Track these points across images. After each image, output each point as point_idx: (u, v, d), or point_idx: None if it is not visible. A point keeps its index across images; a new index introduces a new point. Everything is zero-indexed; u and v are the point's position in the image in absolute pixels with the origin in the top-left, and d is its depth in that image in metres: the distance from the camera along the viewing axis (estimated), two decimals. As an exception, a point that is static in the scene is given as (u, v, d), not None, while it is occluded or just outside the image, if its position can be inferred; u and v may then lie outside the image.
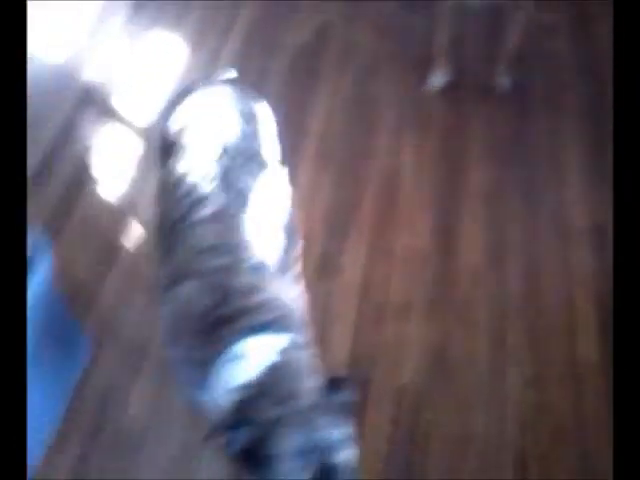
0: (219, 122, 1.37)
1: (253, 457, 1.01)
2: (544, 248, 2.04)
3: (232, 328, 1.11)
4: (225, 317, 1.12)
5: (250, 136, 1.39)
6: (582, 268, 1.99)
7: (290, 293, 1.29)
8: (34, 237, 1.37)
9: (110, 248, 2.00)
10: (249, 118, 1.42)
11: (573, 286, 1.95)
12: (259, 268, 1.23)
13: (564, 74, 2.51)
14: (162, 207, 1.34)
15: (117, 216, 2.08)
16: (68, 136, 2.26)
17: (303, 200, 2.06)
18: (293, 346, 1.12)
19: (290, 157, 2.11)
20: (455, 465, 1.64)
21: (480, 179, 2.20)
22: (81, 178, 2.16)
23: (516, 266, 2.00)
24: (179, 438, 1.65)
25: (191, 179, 1.29)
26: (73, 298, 1.79)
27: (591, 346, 1.84)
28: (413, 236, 2.05)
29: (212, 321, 1.13)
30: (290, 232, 1.52)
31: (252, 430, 1.00)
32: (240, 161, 1.32)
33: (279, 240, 1.38)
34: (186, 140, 1.36)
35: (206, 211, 1.24)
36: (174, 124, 1.42)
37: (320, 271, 1.96)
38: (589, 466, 1.65)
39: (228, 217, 1.25)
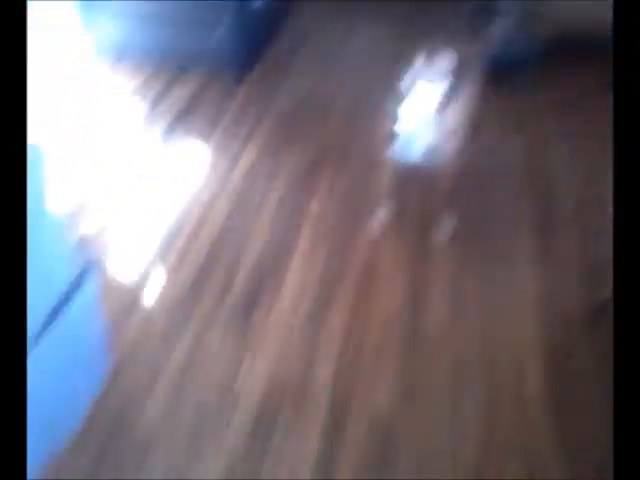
0: None
1: None
2: (497, 309, 2.45)
3: None
4: None
5: None
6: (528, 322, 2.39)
7: None
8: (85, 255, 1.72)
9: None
10: None
11: (521, 338, 2.33)
12: None
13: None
14: None
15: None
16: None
17: (302, 264, 2.58)
18: None
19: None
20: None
21: (446, 257, 2.67)
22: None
23: (474, 318, 2.40)
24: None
25: None
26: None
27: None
28: (388, 299, 2.47)
29: None
30: None
31: None
32: None
33: None
34: None
35: None
36: None
37: (310, 318, 2.37)
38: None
39: None
